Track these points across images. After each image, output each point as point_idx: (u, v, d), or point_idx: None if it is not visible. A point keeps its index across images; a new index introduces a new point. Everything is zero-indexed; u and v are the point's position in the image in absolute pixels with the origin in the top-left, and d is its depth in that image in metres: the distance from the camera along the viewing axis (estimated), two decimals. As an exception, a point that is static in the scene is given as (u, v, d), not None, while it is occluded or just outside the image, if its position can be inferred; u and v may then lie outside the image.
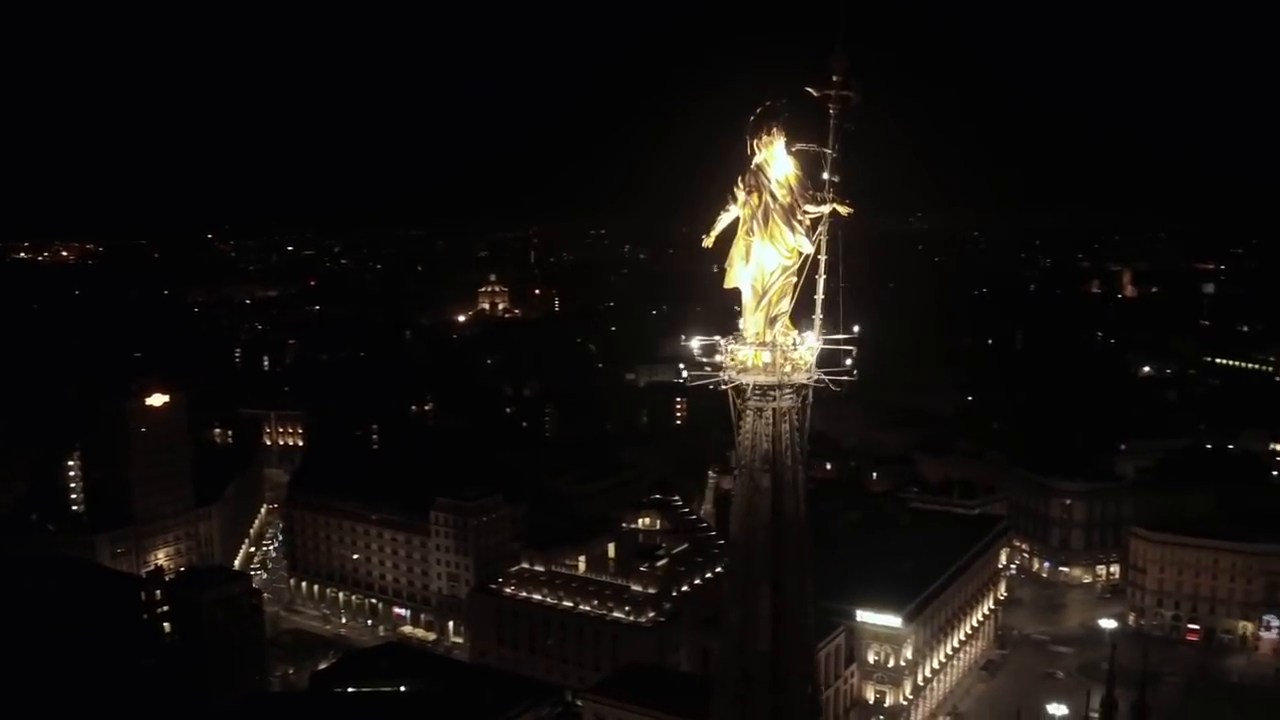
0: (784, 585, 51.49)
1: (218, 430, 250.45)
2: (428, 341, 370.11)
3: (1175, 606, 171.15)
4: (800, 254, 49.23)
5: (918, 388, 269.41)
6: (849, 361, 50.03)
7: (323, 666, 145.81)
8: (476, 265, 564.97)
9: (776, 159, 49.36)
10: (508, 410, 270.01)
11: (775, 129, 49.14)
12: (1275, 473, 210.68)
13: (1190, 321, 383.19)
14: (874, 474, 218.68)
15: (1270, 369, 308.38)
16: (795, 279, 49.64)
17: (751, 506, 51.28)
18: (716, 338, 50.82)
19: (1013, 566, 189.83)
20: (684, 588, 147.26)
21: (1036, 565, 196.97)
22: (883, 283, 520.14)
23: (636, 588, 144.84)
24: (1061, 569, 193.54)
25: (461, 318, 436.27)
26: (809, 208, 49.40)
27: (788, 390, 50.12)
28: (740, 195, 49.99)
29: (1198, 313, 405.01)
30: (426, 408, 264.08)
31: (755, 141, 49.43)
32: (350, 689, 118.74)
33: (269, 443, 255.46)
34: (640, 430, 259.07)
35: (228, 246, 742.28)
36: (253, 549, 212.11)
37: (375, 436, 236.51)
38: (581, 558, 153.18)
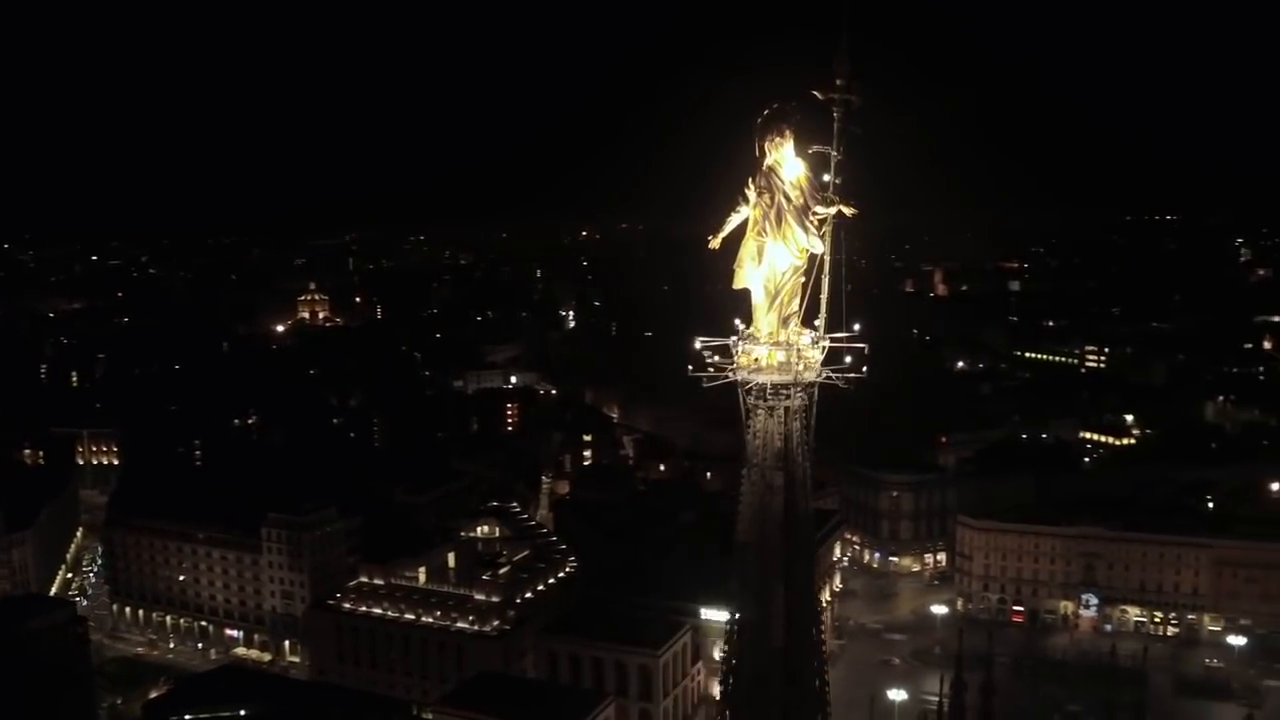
0: (795, 582, 52.51)
1: (27, 451, 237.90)
2: (247, 352, 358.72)
3: (1001, 590, 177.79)
4: (810, 254, 50.05)
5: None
6: (849, 359, 50.76)
7: (155, 695, 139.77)
8: (294, 273, 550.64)
9: (788, 161, 50.01)
10: (334, 421, 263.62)
11: (786, 131, 49.54)
12: (1086, 459, 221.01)
13: (1000, 318, 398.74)
14: (708, 474, 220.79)
15: (1075, 361, 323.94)
16: (804, 279, 50.77)
17: (764, 505, 52.21)
18: (731, 338, 52.06)
19: (845, 559, 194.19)
20: (527, 594, 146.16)
21: (868, 557, 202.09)
22: (712, 285, 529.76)
23: (479, 596, 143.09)
24: (892, 559, 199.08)
25: (281, 327, 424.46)
26: (818, 209, 50.39)
27: (799, 389, 51.15)
28: (751, 196, 50.78)
29: (1006, 309, 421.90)
30: (250, 421, 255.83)
31: (765, 143, 49.77)
32: (187, 716, 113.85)
33: (83, 462, 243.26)
34: (471, 438, 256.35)
35: (28, 257, 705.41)
36: (70, 575, 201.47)
37: (198, 452, 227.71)
38: (421, 569, 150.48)
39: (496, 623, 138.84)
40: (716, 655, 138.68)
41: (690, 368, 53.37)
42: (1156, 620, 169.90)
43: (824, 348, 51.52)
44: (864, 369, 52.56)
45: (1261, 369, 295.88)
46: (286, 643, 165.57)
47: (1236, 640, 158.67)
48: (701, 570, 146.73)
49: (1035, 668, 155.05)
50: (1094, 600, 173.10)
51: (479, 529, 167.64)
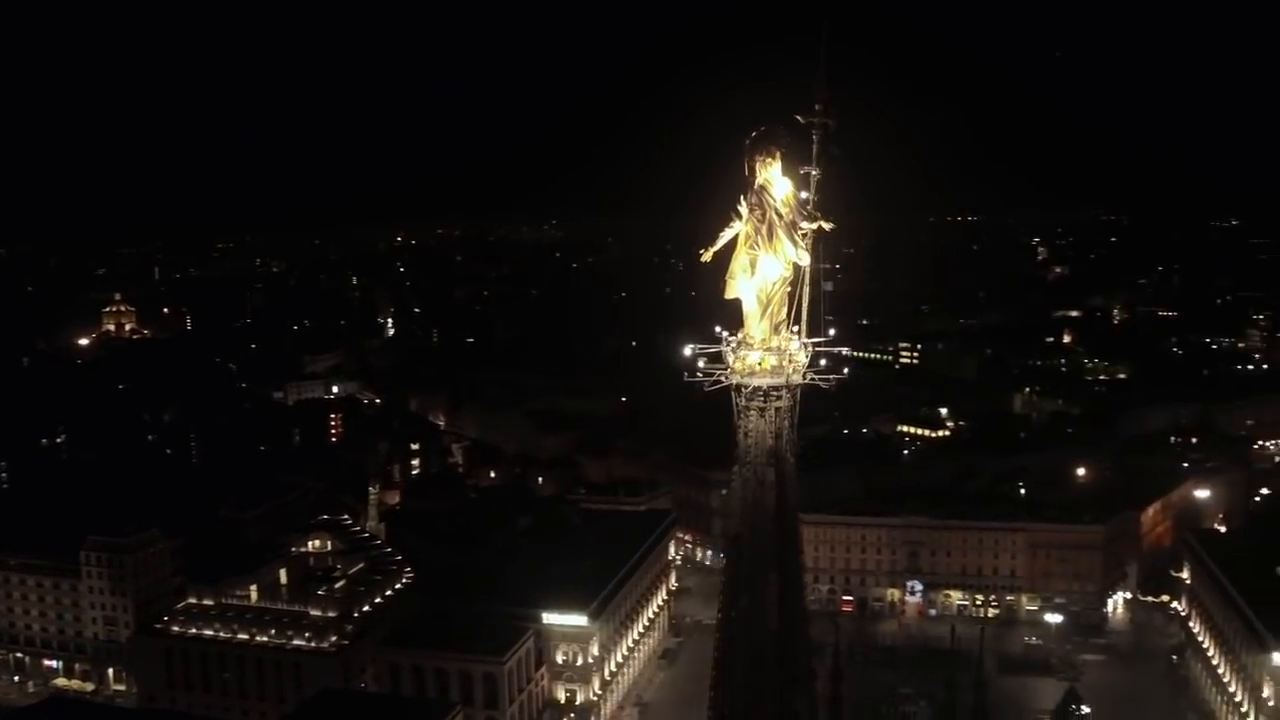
0: (787, 569, 56.01)
1: None
2: (50, 368, 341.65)
3: (830, 581, 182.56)
4: (796, 266, 53.47)
5: (573, 391, 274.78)
6: (823, 361, 52.98)
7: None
8: (96, 284, 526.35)
9: (777, 179, 52.03)
10: (149, 438, 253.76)
11: (774, 151, 51.65)
12: (905, 452, 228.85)
13: (816, 318, 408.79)
14: (540, 478, 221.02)
15: (890, 358, 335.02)
16: (790, 289, 54.28)
17: (757, 500, 55.86)
18: (723, 344, 55.43)
19: (679, 557, 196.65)
20: (364, 608, 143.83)
21: (700, 554, 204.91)
22: (527, 289, 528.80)
23: (315, 613, 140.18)
24: (724, 555, 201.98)
25: (85, 340, 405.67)
26: (804, 224, 54.08)
27: (788, 390, 54.95)
28: (744, 212, 53.67)
29: (822, 309, 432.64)
30: (59, 440, 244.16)
31: (755, 162, 52.00)
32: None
33: None
34: (295, 450, 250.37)
35: None
36: None
37: (3, 475, 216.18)
38: (253, 587, 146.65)
39: (334, 638, 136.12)
40: (559, 659, 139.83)
41: (685, 374, 56.62)
42: (978, 603, 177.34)
43: (810, 352, 53.79)
44: (844, 370, 55.94)
45: (1063, 361, 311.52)
46: (110, 671, 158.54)
47: (1053, 618, 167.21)
48: (542, 574, 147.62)
49: (867, 654, 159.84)
50: (919, 587, 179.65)
51: (310, 543, 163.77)
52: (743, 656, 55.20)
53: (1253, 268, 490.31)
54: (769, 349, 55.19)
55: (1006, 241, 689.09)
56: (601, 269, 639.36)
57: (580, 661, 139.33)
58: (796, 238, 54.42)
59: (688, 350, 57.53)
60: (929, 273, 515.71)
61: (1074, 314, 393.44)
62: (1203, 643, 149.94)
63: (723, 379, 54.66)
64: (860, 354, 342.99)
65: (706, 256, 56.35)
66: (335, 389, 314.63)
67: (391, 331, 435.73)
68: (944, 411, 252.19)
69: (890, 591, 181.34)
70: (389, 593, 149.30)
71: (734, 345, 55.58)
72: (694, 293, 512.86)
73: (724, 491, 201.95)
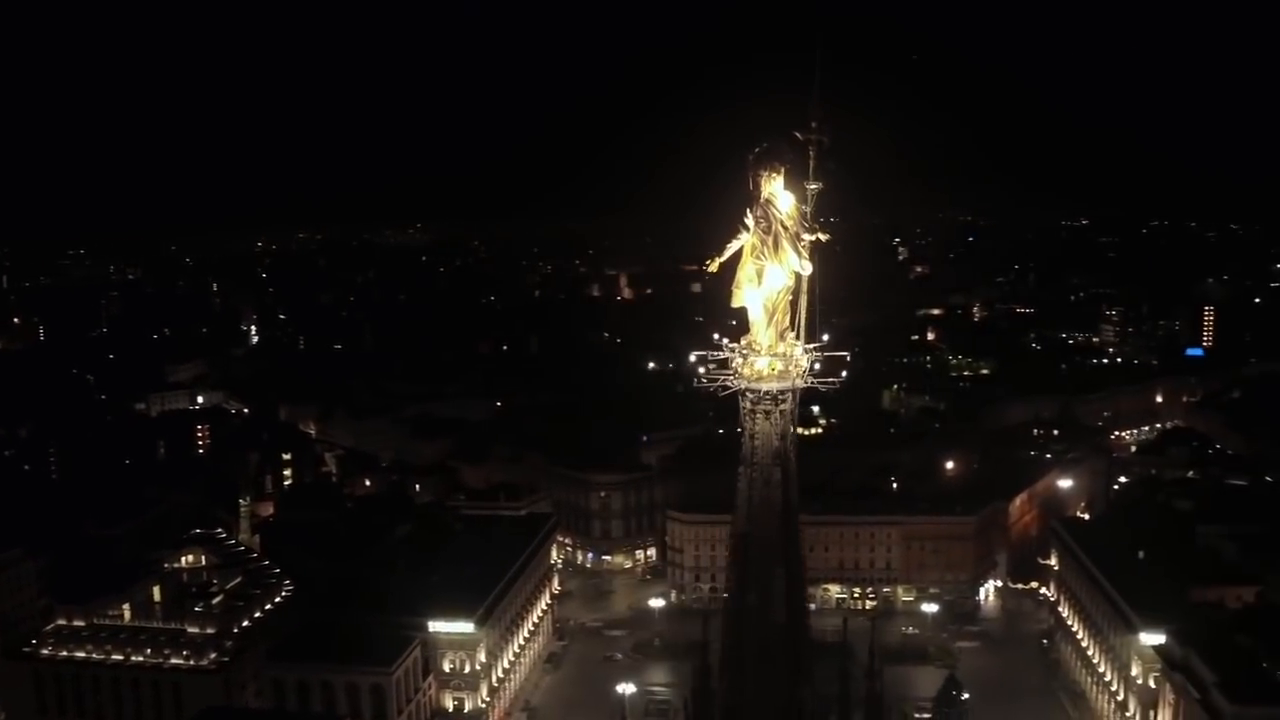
0: (791, 565, 58.94)
1: None
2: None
3: (712, 579, 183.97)
4: (797, 275, 56.08)
5: (446, 396, 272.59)
6: (817, 365, 54.39)
7: None
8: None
9: (780, 193, 52.35)
10: (6, 454, 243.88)
11: (778, 167, 53.01)
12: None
13: (685, 319, 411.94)
14: (417, 486, 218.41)
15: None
16: (791, 297, 56.81)
17: (765, 498, 58.68)
18: (727, 351, 57.88)
19: (559, 561, 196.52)
20: (244, 623, 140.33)
21: (581, 557, 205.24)
22: (394, 294, 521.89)
23: (193, 630, 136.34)
24: (605, 558, 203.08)
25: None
26: (806, 235, 56.65)
27: (792, 393, 57.54)
28: (750, 225, 55.81)
29: (691, 310, 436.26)
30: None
31: (759, 177, 53.35)
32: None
33: None
34: (161, 463, 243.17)
35: None
36: None
37: None
38: (125, 606, 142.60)
39: (214, 655, 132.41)
40: (446, 667, 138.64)
41: (695, 380, 59.59)
42: (856, 596, 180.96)
43: (812, 357, 56.13)
44: (843, 374, 58.19)
45: (928, 359, 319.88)
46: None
47: (929, 608, 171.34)
48: (425, 582, 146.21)
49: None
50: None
51: (184, 559, 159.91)
52: (752, 649, 56.95)
53: (1102, 266, 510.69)
54: (775, 354, 56.61)
55: (868, 242, 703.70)
56: (469, 273, 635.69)
57: (467, 669, 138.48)
58: (801, 247, 55.65)
59: (692, 357, 61.14)
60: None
61: (936, 312, 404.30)
62: (1071, 626, 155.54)
63: (730, 384, 56.45)
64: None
65: (713, 267, 59.38)
66: (200, 399, 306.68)
67: (256, 339, 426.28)
68: (816, 409, 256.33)
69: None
70: (269, 607, 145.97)
71: (743, 351, 57.37)
72: (561, 295, 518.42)
73: (603, 494, 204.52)
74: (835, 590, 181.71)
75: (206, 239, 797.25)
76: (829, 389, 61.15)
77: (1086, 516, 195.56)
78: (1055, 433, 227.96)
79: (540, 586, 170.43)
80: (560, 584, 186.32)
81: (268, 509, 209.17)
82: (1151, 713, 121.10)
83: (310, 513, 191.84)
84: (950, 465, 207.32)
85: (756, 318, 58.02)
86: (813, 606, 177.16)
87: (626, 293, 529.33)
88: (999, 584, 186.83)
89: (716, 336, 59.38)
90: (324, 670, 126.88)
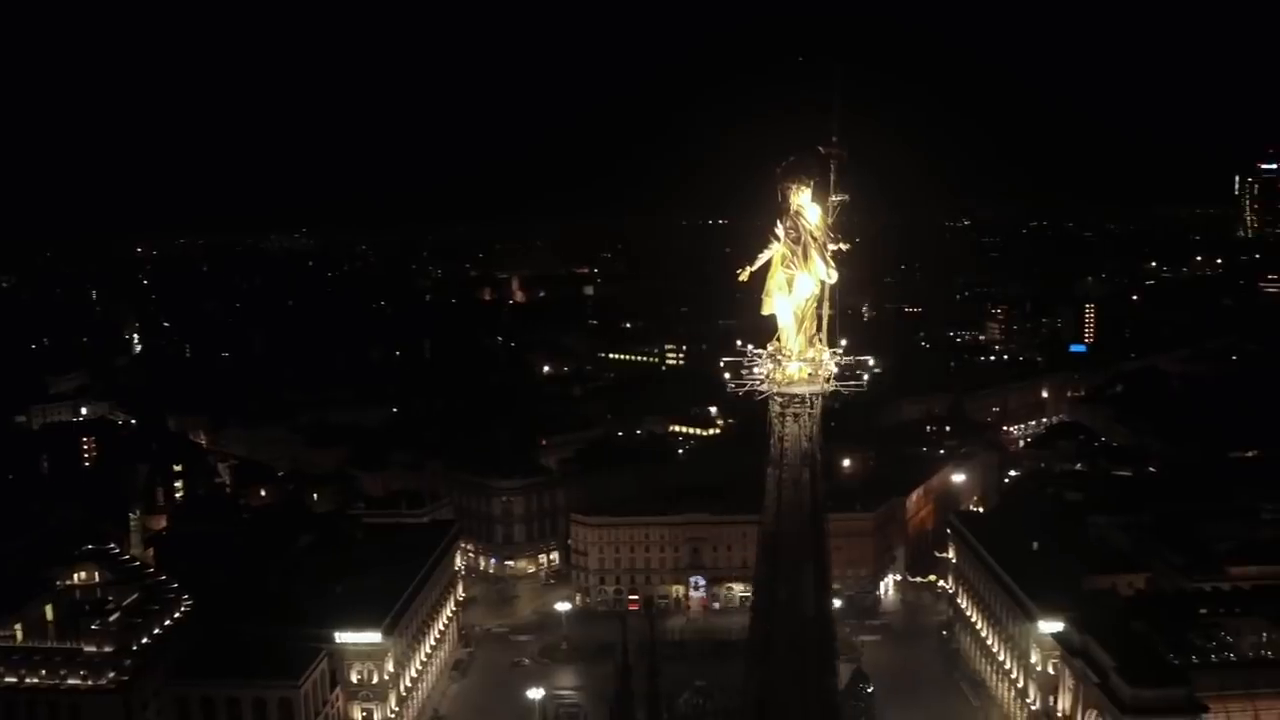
0: (820, 560, 62.18)
1: None
2: None
3: (616, 581, 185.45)
4: (823, 284, 58.81)
5: (342, 404, 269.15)
6: (836, 368, 60.03)
7: None
8: None
9: (808, 205, 58.31)
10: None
11: (805, 180, 54.96)
12: (680, 451, 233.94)
13: (579, 321, 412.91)
14: (315, 495, 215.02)
15: (656, 360, 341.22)
16: (816, 305, 59.66)
17: (795, 498, 61.42)
18: (757, 355, 60.49)
19: (462, 567, 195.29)
20: (144, 640, 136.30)
21: (484, 563, 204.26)
22: (282, 300, 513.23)
23: (90, 649, 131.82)
24: (508, 563, 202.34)
25: None
26: (831, 245, 59.50)
27: (819, 397, 59.97)
28: (780, 235, 59.10)
29: (584, 313, 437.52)
30: None
31: (786, 190, 55.20)
32: None
33: None
34: (45, 477, 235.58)
35: None
36: None
37: None
38: (16, 626, 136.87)
39: (113, 675, 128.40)
40: (354, 678, 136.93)
41: (729, 386, 62.24)
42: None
43: (838, 362, 59.18)
44: (865, 378, 60.06)
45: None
46: None
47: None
48: (330, 593, 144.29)
49: (658, 650, 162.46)
50: (701, 582, 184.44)
51: (76, 575, 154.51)
52: (783, 641, 59.14)
53: (986, 265, 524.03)
54: (805, 359, 57.74)
55: (757, 243, 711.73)
56: (357, 278, 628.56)
57: (376, 679, 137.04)
58: (829, 257, 57.04)
59: (722, 362, 64.03)
60: (686, 274, 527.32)
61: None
62: (970, 617, 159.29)
63: (761, 388, 58.38)
64: (626, 356, 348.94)
65: (744, 276, 61.76)
66: (84, 410, 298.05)
67: (140, 348, 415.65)
68: (713, 410, 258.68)
69: (674, 588, 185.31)
70: (168, 622, 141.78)
71: (775, 357, 59.39)
72: (453, 299, 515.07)
73: (505, 499, 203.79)
74: (739, 589, 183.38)
75: (83, 245, 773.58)
76: (852, 391, 63.06)
77: (981, 510, 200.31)
78: (947, 429, 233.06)
79: (445, 594, 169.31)
80: (464, 590, 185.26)
81: (160, 522, 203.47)
82: (1051, 698, 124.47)
83: (206, 525, 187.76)
84: (847, 463, 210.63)
85: (786, 324, 60.36)
86: (716, 605, 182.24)
87: (519, 295, 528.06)
88: (898, 578, 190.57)
89: (740, 343, 61.91)
90: (229, 686, 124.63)
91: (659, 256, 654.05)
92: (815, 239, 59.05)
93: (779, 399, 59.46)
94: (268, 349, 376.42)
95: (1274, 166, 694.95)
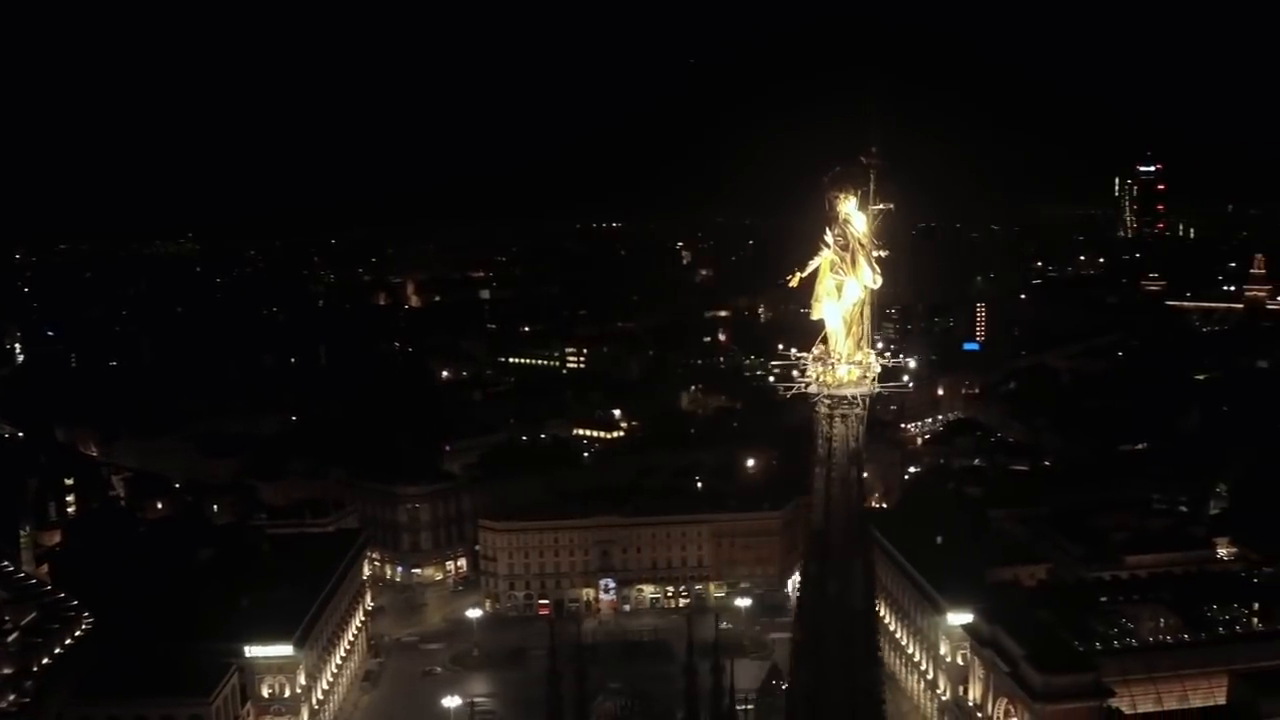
0: (866, 555, 64.09)
1: None
2: None
3: (526, 586, 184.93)
4: (869, 290, 60.81)
5: (237, 412, 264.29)
6: (875, 371, 62.33)
7: None
8: None
9: (855, 213, 60.27)
10: None
11: (851, 189, 60.08)
12: (586, 454, 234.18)
13: (476, 325, 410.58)
14: (214, 506, 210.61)
15: (556, 363, 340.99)
16: (861, 309, 61.37)
17: (843, 495, 62.45)
18: (805, 358, 62.36)
19: (369, 575, 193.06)
20: (44, 660, 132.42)
21: (390, 571, 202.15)
22: (171, 306, 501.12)
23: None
24: (415, 570, 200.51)
25: None
26: (876, 253, 61.14)
27: (866, 398, 61.48)
28: (830, 242, 60.81)
29: (481, 317, 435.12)
30: None
31: (833, 198, 60.39)
32: None
33: None
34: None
35: None
36: None
37: None
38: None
39: (14, 697, 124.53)
40: (265, 692, 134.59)
41: (780, 388, 63.75)
42: (669, 594, 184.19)
43: (881, 363, 62.00)
44: (905, 379, 67.89)
45: (721, 359, 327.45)
46: None
47: (741, 602, 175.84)
48: (237, 606, 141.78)
49: (569, 654, 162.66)
50: (612, 584, 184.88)
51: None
52: (833, 635, 61.41)
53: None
54: (854, 362, 61.37)
55: (651, 246, 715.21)
56: (247, 283, 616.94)
57: (287, 693, 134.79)
58: (875, 263, 61.03)
59: (772, 364, 65.07)
60: (581, 278, 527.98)
61: (724, 314, 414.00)
62: (878, 611, 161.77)
63: (810, 390, 61.10)
64: (525, 360, 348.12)
65: (794, 282, 62.66)
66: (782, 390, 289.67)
67: (22, 358, 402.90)
68: (617, 413, 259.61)
69: (585, 591, 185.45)
70: (69, 641, 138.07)
71: (827, 360, 61.89)
72: (347, 304, 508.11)
73: (412, 506, 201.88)
74: (649, 590, 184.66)
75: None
76: (898, 391, 68.74)
77: (884, 506, 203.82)
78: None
79: (354, 604, 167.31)
80: (373, 600, 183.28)
81: (54, 538, 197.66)
82: (961, 689, 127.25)
83: (101, 540, 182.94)
84: (751, 463, 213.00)
85: (835, 328, 62.55)
86: (626, 608, 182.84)
87: (414, 300, 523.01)
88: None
89: (781, 347, 64.19)
90: (137, 705, 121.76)
91: (554, 260, 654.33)
92: (863, 245, 61.44)
93: (828, 401, 61.95)
94: (157, 357, 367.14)
95: (1152, 169, 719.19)
